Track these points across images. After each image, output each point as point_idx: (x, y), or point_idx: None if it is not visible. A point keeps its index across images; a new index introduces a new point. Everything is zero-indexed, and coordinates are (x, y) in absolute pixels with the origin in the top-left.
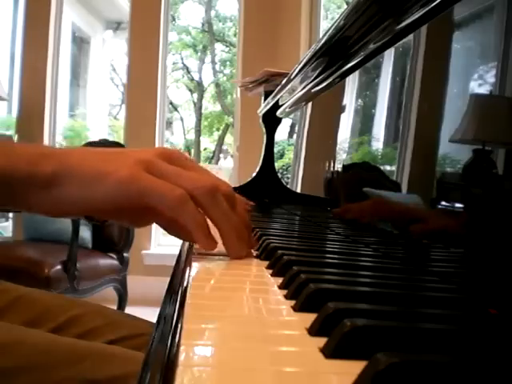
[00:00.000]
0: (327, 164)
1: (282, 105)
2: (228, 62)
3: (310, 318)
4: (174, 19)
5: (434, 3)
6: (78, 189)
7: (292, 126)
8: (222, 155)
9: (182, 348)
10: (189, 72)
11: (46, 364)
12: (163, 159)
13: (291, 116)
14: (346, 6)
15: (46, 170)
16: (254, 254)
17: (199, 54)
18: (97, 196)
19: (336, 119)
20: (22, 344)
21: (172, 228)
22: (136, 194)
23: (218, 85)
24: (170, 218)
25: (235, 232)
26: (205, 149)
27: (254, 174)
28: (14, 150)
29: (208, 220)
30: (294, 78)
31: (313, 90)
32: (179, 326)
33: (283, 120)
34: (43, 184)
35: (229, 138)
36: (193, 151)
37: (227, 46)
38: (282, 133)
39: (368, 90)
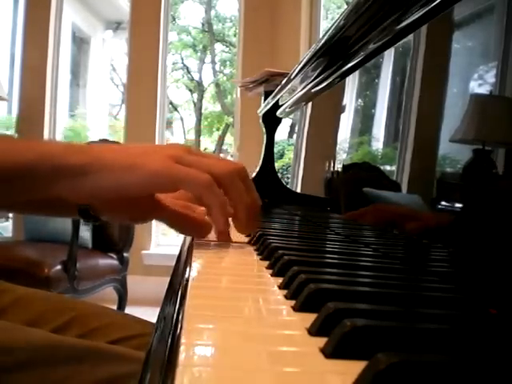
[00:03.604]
0: (327, 164)
1: (282, 105)
2: (228, 62)
3: (310, 317)
4: (174, 19)
5: (434, 3)
6: (110, 176)
7: (292, 126)
8: (222, 155)
9: (181, 348)
10: (189, 72)
11: (47, 363)
12: (187, 153)
13: (291, 116)
14: (346, 6)
15: (74, 162)
16: (246, 240)
17: (199, 54)
18: (131, 182)
19: (336, 119)
20: (23, 343)
21: (177, 222)
22: (169, 181)
23: (218, 85)
24: (180, 212)
25: (246, 210)
26: (205, 149)
27: (254, 174)
28: (37, 145)
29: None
30: (294, 78)
31: (313, 90)
32: (179, 326)
33: (283, 120)
34: (70, 175)
35: (229, 138)
36: None
37: (227, 46)
38: (282, 133)
39: (368, 90)
